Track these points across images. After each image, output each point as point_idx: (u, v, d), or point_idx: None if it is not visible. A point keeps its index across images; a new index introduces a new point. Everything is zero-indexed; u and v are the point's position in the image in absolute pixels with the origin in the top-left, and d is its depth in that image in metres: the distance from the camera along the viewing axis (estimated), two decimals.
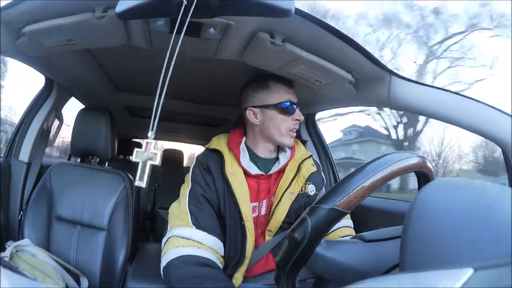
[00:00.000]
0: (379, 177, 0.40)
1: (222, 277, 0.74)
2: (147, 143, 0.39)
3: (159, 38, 0.72)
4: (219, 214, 0.83)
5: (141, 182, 0.38)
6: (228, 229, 0.82)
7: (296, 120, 0.86)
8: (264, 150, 0.89)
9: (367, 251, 0.43)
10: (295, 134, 0.88)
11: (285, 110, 0.85)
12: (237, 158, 0.84)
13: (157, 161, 0.37)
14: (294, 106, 0.86)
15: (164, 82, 0.39)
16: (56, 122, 1.29)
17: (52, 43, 0.74)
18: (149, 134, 0.39)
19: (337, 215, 0.39)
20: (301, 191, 0.87)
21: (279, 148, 0.93)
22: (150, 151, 0.38)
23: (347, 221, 0.89)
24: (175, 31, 0.44)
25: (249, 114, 0.87)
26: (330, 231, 0.63)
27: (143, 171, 0.38)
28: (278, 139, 0.86)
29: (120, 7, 0.50)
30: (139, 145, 2.78)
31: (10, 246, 0.84)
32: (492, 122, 0.67)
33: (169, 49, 0.42)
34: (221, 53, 0.79)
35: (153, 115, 0.39)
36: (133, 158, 0.39)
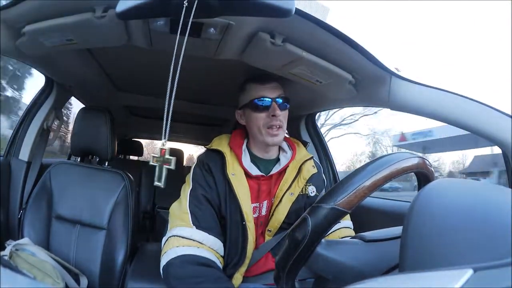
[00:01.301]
0: (380, 177, 0.40)
1: (222, 277, 0.74)
2: (161, 149, 0.43)
3: (159, 38, 0.72)
4: (219, 214, 0.83)
5: (160, 183, 0.44)
6: (229, 229, 0.82)
7: (272, 116, 0.83)
8: (261, 151, 0.89)
9: (367, 251, 0.43)
10: (277, 133, 0.84)
11: (257, 106, 0.84)
12: (239, 158, 0.84)
13: (172, 166, 0.43)
14: (268, 100, 0.83)
15: (172, 87, 0.42)
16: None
17: (52, 43, 0.73)
18: (162, 141, 0.43)
19: (338, 215, 0.39)
20: (302, 192, 0.86)
21: (280, 149, 0.92)
22: (165, 156, 0.44)
23: (347, 222, 0.88)
24: (178, 32, 0.44)
25: (237, 116, 0.92)
26: (330, 232, 0.64)
27: (160, 173, 0.44)
28: (259, 138, 0.85)
29: (120, 7, 0.50)
30: (139, 144, 2.79)
31: (10, 245, 0.84)
32: (493, 123, 0.67)
33: (174, 50, 0.43)
34: (221, 53, 0.79)
35: (164, 124, 0.42)
36: (151, 162, 0.44)
